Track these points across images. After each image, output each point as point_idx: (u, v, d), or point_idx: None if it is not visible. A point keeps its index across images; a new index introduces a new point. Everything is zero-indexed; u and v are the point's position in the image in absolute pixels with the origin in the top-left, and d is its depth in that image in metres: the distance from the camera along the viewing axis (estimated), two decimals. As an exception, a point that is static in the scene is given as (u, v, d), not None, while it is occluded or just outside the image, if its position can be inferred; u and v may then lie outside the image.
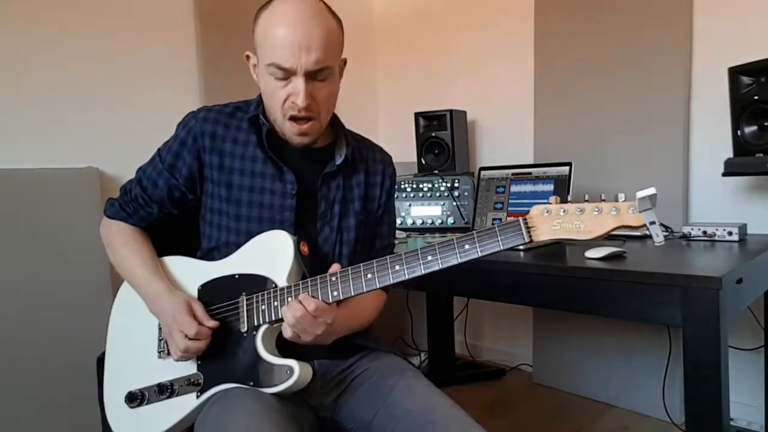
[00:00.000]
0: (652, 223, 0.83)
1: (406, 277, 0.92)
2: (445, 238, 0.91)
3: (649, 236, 1.81)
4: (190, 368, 1.02)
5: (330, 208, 1.11)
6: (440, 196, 2.29)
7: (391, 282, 0.93)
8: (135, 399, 1.04)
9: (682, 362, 1.23)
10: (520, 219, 0.88)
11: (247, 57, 1.06)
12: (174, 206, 1.14)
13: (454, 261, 0.90)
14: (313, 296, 0.94)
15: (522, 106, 2.51)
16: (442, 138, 2.44)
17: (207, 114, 1.11)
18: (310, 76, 0.97)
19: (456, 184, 2.28)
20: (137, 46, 2.17)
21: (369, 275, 0.93)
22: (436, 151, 2.47)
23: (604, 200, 0.88)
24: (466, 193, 2.27)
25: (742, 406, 2.01)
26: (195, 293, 1.07)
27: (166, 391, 1.02)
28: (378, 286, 0.94)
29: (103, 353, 1.16)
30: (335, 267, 0.97)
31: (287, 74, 0.97)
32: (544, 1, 2.39)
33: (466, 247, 0.89)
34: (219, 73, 2.38)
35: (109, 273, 2.00)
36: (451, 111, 2.43)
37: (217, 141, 1.09)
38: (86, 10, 2.03)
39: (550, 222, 0.87)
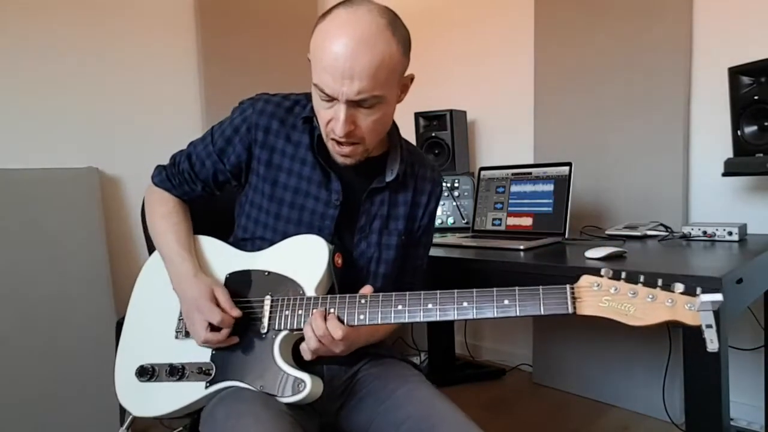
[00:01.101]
0: (709, 326, 0.76)
1: (437, 318, 0.89)
2: (485, 289, 0.88)
3: (650, 237, 1.81)
4: (203, 356, 1.02)
5: (369, 224, 1.08)
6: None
7: (421, 320, 0.90)
8: (146, 373, 1.04)
9: (682, 362, 1.23)
10: (567, 287, 0.84)
11: (309, 60, 0.98)
12: (217, 188, 1.14)
13: (490, 314, 0.86)
14: (339, 318, 0.92)
15: (522, 106, 2.51)
16: (442, 138, 2.44)
17: (265, 106, 1.07)
18: (354, 104, 0.92)
19: (456, 184, 2.28)
20: (137, 46, 2.17)
21: (399, 306, 0.91)
22: (436, 151, 2.47)
23: (659, 286, 0.81)
24: (466, 193, 2.27)
25: (742, 406, 2.01)
26: (222, 279, 1.06)
27: (176, 373, 1.02)
28: (407, 320, 0.91)
29: (123, 318, 1.15)
30: (367, 289, 0.95)
31: (330, 98, 0.92)
32: (544, 1, 2.39)
33: (506, 302, 0.86)
34: (219, 73, 2.38)
35: (109, 272, 2.00)
36: (451, 111, 2.43)
37: (270, 136, 1.06)
38: (86, 10, 2.03)
39: (599, 298, 0.82)
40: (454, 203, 2.26)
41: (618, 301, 0.81)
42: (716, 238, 1.67)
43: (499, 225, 1.99)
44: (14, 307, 1.78)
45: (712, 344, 0.77)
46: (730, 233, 1.66)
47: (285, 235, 1.05)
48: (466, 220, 2.22)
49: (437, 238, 1.98)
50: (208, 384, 1.00)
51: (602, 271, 0.83)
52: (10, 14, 1.86)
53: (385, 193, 1.09)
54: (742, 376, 1.97)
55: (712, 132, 2.00)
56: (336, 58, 0.88)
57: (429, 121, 2.50)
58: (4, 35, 1.85)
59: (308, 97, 1.04)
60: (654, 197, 2.08)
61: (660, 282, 0.81)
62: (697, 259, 1.47)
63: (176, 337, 1.06)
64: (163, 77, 2.25)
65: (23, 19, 1.89)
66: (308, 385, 0.93)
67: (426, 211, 1.15)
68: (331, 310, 0.93)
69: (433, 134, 2.46)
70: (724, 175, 1.75)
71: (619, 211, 2.17)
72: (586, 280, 0.83)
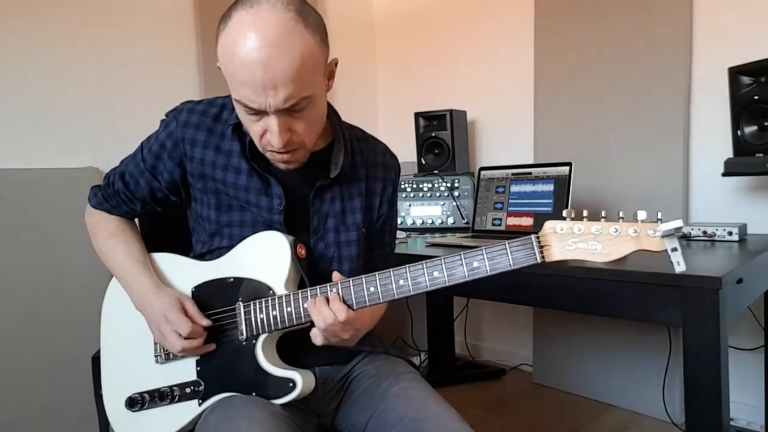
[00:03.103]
0: (674, 249, 0.78)
1: (411, 292, 0.89)
2: (453, 254, 0.87)
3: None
4: (189, 375, 1.00)
5: (323, 223, 1.04)
6: (440, 196, 2.29)
7: (396, 297, 0.90)
8: (135, 404, 1.02)
9: (682, 362, 1.23)
10: (533, 237, 0.82)
11: (220, 68, 0.90)
12: (158, 205, 1.09)
13: (461, 278, 0.86)
14: (345, 300, 0.91)
15: (522, 106, 2.51)
16: (442, 138, 2.44)
17: (189, 117, 1.01)
18: (284, 111, 0.86)
19: (456, 184, 2.28)
20: (137, 46, 2.17)
21: (371, 288, 0.90)
22: (436, 151, 2.47)
23: (622, 218, 0.81)
24: (466, 193, 2.27)
25: (742, 406, 2.01)
26: (189, 294, 1.03)
27: (166, 397, 1.00)
28: (381, 300, 0.90)
29: (98, 352, 1.14)
30: (336, 276, 0.94)
31: (257, 112, 0.86)
32: (545, 1, 2.39)
33: (475, 264, 0.85)
34: (219, 72, 2.38)
35: (109, 273, 2.00)
36: (451, 111, 2.43)
37: (197, 148, 1.00)
38: (87, 10, 2.03)
39: (565, 241, 0.81)
40: (454, 203, 2.26)
41: (584, 241, 0.81)
42: (716, 238, 1.67)
43: (499, 225, 1.99)
44: (14, 307, 1.78)
45: (680, 266, 0.79)
46: (730, 233, 1.66)
47: (243, 239, 1.02)
48: (466, 220, 2.22)
49: (437, 238, 1.98)
50: (200, 401, 0.99)
51: (564, 213, 0.83)
52: (9, 14, 1.86)
53: (334, 188, 1.04)
54: (742, 376, 1.97)
55: (712, 132, 2.00)
56: (252, 69, 0.81)
57: (429, 121, 2.50)
58: (3, 35, 1.85)
59: None
60: (654, 197, 2.08)
61: (621, 214, 0.81)
62: (697, 259, 1.47)
63: (156, 362, 1.04)
64: (163, 77, 2.25)
65: (22, 19, 1.89)
66: (299, 383, 0.93)
67: (384, 199, 1.10)
68: (333, 290, 0.92)
69: (433, 134, 2.46)
70: (724, 175, 1.74)
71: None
72: (549, 225, 0.83)
